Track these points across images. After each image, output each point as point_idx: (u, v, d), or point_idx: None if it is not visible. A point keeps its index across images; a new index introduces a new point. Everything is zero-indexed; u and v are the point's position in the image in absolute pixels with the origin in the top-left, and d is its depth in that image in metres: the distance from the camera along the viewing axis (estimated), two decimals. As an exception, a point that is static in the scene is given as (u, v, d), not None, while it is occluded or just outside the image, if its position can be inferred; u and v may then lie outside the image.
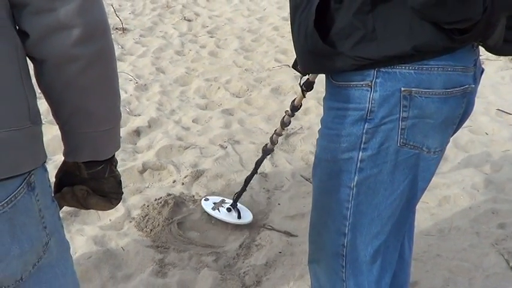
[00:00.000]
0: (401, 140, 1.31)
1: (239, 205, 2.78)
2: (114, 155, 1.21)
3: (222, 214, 2.73)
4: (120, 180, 1.26)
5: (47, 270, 1.10)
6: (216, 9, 6.24)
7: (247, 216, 2.75)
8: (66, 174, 1.22)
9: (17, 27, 0.97)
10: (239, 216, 2.71)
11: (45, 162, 1.06)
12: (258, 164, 2.62)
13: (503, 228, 2.71)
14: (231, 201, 2.77)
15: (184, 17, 5.93)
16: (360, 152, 1.34)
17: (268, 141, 2.53)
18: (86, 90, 1.04)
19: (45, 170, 1.08)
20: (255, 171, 2.66)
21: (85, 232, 2.59)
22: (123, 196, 1.29)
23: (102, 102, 1.08)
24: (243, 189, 2.72)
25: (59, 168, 1.24)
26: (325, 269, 1.56)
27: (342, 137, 1.36)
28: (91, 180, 1.20)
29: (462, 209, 2.88)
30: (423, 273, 2.40)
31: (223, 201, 2.82)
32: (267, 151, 2.56)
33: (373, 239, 1.46)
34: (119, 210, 2.77)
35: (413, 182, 1.40)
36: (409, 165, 1.36)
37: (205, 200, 2.84)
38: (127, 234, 2.62)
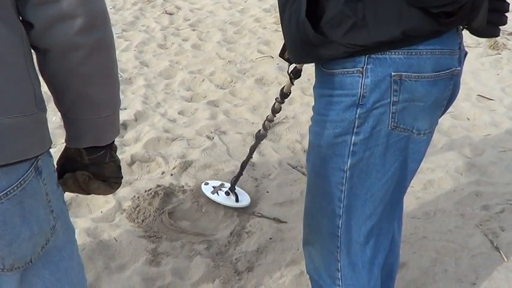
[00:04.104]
0: (392, 124, 1.34)
1: (237, 189, 2.84)
2: (113, 141, 1.24)
3: (221, 197, 2.80)
4: (120, 165, 1.29)
5: (54, 253, 1.12)
6: (197, 2, 6.22)
7: (244, 200, 2.82)
8: (67, 161, 1.24)
9: (20, 18, 1.00)
10: (237, 200, 2.77)
11: (50, 148, 1.08)
12: (253, 149, 2.68)
13: (486, 210, 2.78)
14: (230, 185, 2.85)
15: (166, 11, 5.91)
16: (353, 136, 1.37)
17: (261, 128, 2.58)
18: (88, 77, 1.07)
19: (51, 155, 1.11)
20: (250, 156, 2.71)
21: (77, 225, 2.58)
22: None
23: (103, 88, 1.11)
24: (240, 173, 2.78)
25: (61, 155, 1.26)
26: (320, 250, 1.60)
27: (335, 122, 1.38)
28: (92, 166, 1.23)
29: (446, 192, 2.94)
30: (411, 255, 2.46)
31: (222, 185, 2.88)
32: (260, 137, 2.61)
33: (367, 220, 1.49)
34: (110, 202, 2.79)
35: (404, 164, 1.44)
36: (400, 148, 1.40)
37: (205, 184, 2.90)
38: (119, 226, 2.64)
